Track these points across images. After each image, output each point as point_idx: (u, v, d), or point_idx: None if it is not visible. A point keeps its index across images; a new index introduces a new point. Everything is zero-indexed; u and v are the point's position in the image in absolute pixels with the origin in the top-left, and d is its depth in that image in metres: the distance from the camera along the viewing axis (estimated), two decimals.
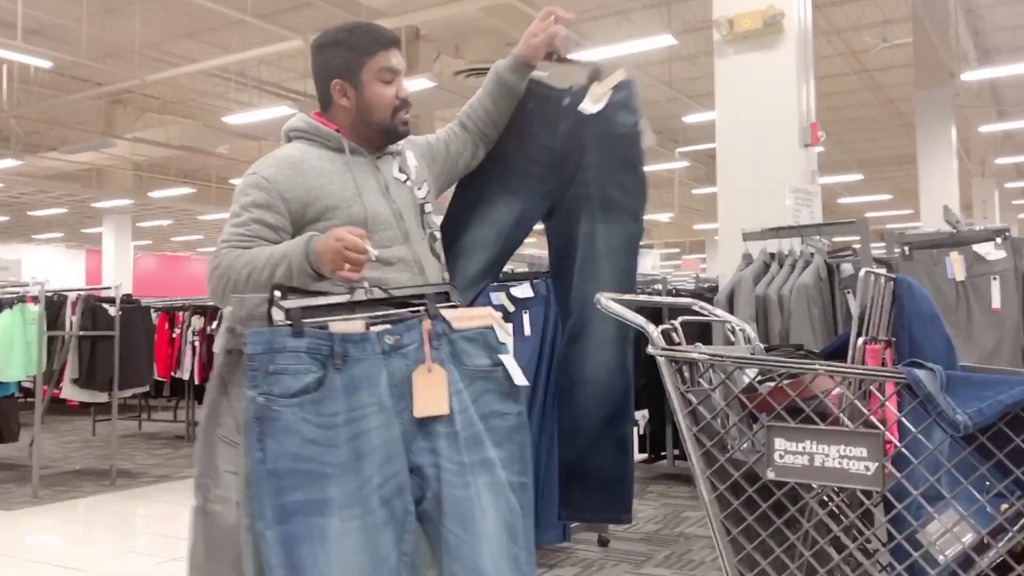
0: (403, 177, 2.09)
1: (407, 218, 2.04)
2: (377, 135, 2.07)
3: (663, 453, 6.03)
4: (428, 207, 2.13)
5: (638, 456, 6.27)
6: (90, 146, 15.61)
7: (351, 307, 1.75)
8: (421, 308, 1.78)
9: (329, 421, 1.61)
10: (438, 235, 2.15)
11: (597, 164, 2.29)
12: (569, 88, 2.34)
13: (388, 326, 1.71)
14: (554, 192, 2.36)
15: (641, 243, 2.37)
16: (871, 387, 1.78)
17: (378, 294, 1.80)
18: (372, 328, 1.70)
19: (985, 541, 1.63)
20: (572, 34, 2.31)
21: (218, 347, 1.79)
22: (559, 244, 2.40)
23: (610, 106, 2.28)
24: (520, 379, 1.80)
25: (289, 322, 1.64)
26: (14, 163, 16.28)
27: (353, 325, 1.68)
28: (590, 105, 2.29)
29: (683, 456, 5.72)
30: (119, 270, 20.37)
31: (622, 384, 2.34)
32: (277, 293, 1.67)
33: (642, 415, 5.66)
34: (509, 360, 1.81)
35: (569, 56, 2.32)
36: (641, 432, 6.11)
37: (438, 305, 1.78)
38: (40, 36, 11.96)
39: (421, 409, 1.69)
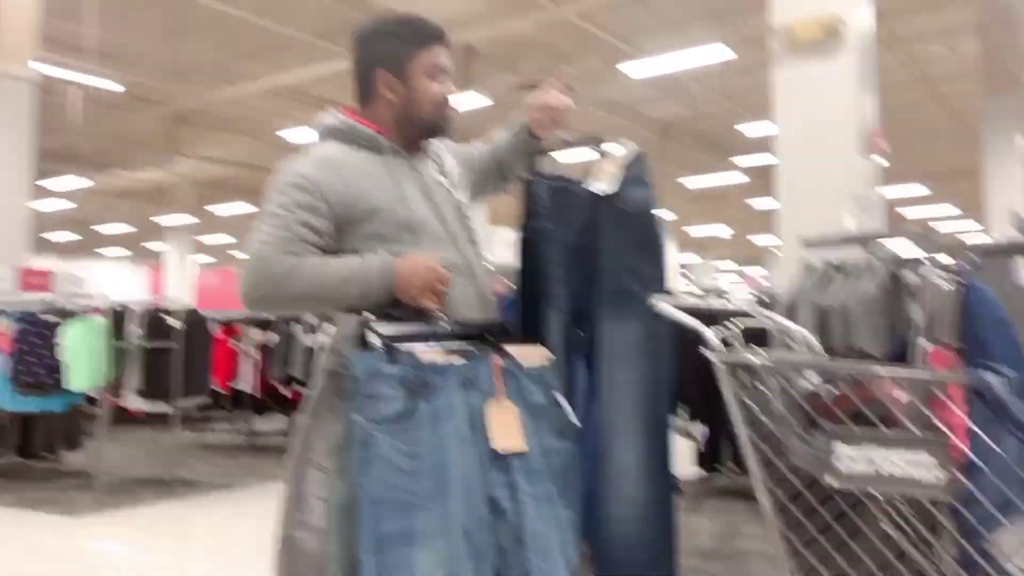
0: (442, 179, 2.00)
1: (449, 221, 1.94)
2: (419, 132, 1.97)
3: (716, 465, 5.91)
4: (466, 210, 2.03)
5: (693, 469, 6.17)
6: (156, 161, 16.03)
7: (423, 336, 1.76)
8: (487, 341, 1.80)
9: (415, 451, 1.62)
10: (478, 238, 2.01)
11: (609, 249, 2.01)
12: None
13: (462, 359, 1.73)
14: (577, 294, 2.04)
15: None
16: (938, 392, 1.71)
17: (451, 326, 1.80)
18: (450, 359, 1.71)
19: None
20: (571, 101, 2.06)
21: (321, 367, 1.77)
22: (587, 354, 2.06)
23: (623, 183, 2.02)
24: (573, 417, 1.84)
25: (385, 347, 1.65)
26: (86, 182, 16.82)
27: (437, 355, 1.70)
28: (601, 184, 2.03)
29: (740, 470, 5.60)
30: (181, 284, 20.83)
31: (657, 520, 2.00)
32: (370, 316, 1.68)
33: (700, 430, 5.56)
34: (562, 399, 1.85)
35: (569, 138, 2.12)
36: (702, 449, 5.99)
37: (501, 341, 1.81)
38: (111, 58, 12.34)
39: (501, 443, 1.70)
